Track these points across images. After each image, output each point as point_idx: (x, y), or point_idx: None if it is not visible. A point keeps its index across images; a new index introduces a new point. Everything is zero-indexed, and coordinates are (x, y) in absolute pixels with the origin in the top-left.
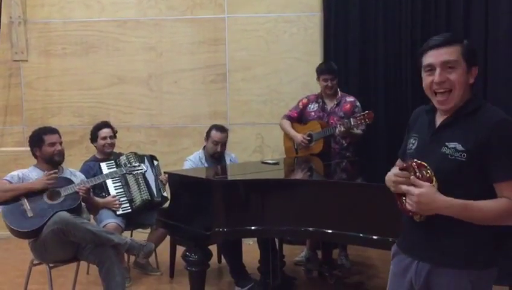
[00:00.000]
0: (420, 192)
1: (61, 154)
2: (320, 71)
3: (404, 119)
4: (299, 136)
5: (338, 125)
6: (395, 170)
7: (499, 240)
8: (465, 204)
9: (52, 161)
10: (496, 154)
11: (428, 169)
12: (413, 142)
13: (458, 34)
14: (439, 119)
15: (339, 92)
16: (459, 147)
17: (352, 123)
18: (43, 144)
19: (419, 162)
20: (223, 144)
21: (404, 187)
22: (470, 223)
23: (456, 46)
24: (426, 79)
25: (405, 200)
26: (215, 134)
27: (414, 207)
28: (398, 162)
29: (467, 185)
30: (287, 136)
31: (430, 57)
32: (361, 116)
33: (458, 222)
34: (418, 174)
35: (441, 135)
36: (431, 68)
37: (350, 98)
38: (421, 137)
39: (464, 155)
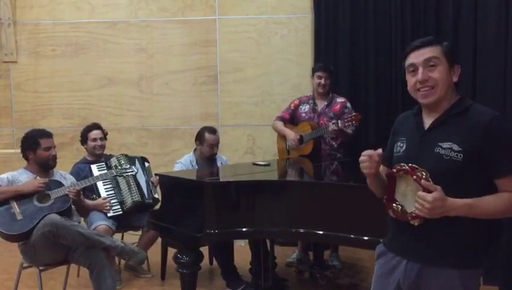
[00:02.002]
0: (434, 197)
1: (55, 159)
2: (316, 68)
3: (394, 121)
4: (291, 134)
5: (330, 124)
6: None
7: (488, 241)
8: (469, 204)
9: (46, 166)
10: (494, 151)
11: (423, 171)
12: (401, 145)
13: (447, 35)
14: (427, 121)
15: (331, 93)
16: (455, 147)
17: (340, 125)
18: (38, 147)
19: (410, 165)
20: (217, 145)
21: (420, 193)
22: (461, 224)
23: (436, 45)
24: (410, 80)
25: (398, 206)
26: (209, 137)
27: (425, 212)
28: (381, 168)
29: (463, 184)
30: (280, 137)
31: (412, 58)
32: (349, 118)
33: (450, 222)
34: (414, 177)
35: (432, 135)
36: (414, 68)
37: (341, 99)
38: (410, 139)
39: (460, 155)
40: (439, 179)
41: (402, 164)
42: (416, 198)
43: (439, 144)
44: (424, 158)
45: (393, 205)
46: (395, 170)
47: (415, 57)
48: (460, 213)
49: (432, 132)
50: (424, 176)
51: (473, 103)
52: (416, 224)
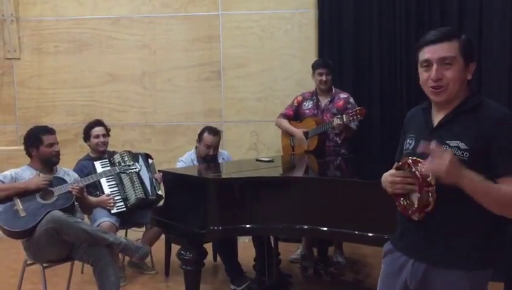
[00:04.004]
0: (451, 156)
1: (59, 155)
2: (316, 65)
3: (399, 116)
4: (298, 133)
5: (335, 119)
6: (391, 171)
7: (497, 240)
8: (482, 179)
9: (49, 162)
10: (500, 150)
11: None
12: (410, 142)
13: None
14: (436, 117)
15: (333, 89)
16: (462, 145)
17: (345, 119)
18: (41, 144)
19: (414, 158)
20: (216, 147)
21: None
22: (469, 223)
23: (454, 41)
24: (423, 75)
25: (404, 200)
26: (207, 137)
27: (442, 171)
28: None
29: None
30: (284, 134)
31: (427, 53)
32: (354, 112)
33: (458, 222)
34: (413, 170)
35: (441, 133)
36: (428, 64)
37: (344, 95)
38: (419, 136)
39: (466, 154)
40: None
41: (408, 158)
42: (430, 158)
43: (447, 142)
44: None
45: (401, 199)
46: (400, 163)
47: (430, 53)
48: (470, 185)
49: (440, 129)
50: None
51: (484, 99)
52: (416, 218)
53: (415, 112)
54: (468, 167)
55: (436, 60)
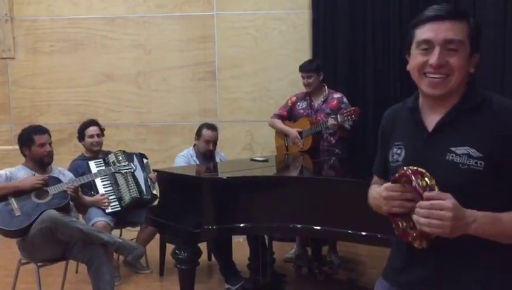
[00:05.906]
0: (453, 205)
1: (51, 155)
2: (299, 68)
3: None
4: (293, 132)
5: (330, 119)
6: (385, 184)
7: None
8: (493, 216)
9: (42, 162)
10: None
11: (426, 176)
12: (399, 152)
13: None
14: (430, 119)
15: (326, 89)
16: (473, 152)
17: (339, 119)
18: (32, 144)
19: (414, 168)
20: (214, 142)
21: (425, 203)
22: (484, 246)
23: (463, 22)
24: (418, 58)
25: (402, 222)
26: (206, 132)
27: (446, 229)
28: (376, 179)
29: (483, 198)
30: (279, 134)
31: (430, 31)
32: (348, 112)
33: (473, 247)
34: (414, 184)
35: (441, 138)
36: (428, 46)
37: (337, 95)
38: (410, 144)
39: (480, 163)
40: (455, 194)
41: (405, 167)
42: (418, 210)
43: (452, 149)
44: (433, 168)
45: (398, 219)
46: (397, 175)
47: (434, 31)
48: (481, 229)
49: (439, 133)
50: (428, 183)
51: (490, 94)
52: (418, 246)
53: (395, 112)
54: (484, 180)
55: (439, 41)
